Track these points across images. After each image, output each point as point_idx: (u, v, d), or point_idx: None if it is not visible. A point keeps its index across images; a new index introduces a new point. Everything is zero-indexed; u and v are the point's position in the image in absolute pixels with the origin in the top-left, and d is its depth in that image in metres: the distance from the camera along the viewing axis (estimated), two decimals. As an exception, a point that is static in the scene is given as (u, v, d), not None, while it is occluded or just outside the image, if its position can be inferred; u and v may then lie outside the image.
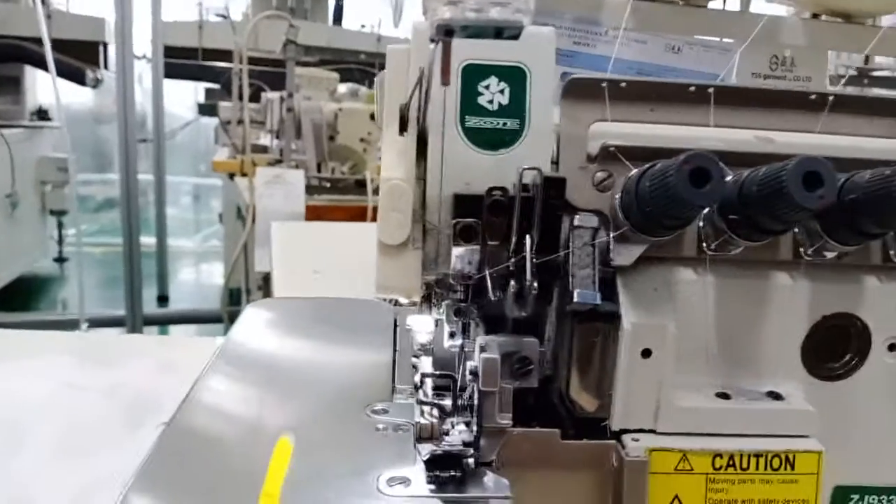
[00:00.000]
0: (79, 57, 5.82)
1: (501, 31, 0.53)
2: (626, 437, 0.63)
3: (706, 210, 0.60)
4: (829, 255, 0.63)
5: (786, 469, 0.63)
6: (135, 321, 4.78)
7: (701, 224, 0.63)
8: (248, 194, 3.34)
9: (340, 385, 0.81)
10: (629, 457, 0.62)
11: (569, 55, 1.08)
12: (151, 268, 5.73)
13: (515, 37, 0.54)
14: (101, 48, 6.12)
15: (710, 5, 1.10)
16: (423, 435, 0.65)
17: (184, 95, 8.06)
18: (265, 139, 4.50)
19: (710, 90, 0.64)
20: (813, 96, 0.65)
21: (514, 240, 0.61)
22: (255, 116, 4.56)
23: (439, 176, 0.63)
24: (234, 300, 4.50)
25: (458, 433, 0.66)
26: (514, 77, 0.62)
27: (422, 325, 0.73)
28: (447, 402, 0.67)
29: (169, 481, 0.65)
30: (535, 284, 0.61)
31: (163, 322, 5.53)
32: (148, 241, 5.53)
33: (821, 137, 0.65)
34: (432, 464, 0.63)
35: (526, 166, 0.60)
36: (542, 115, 0.63)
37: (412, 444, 0.66)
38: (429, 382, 0.69)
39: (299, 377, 0.84)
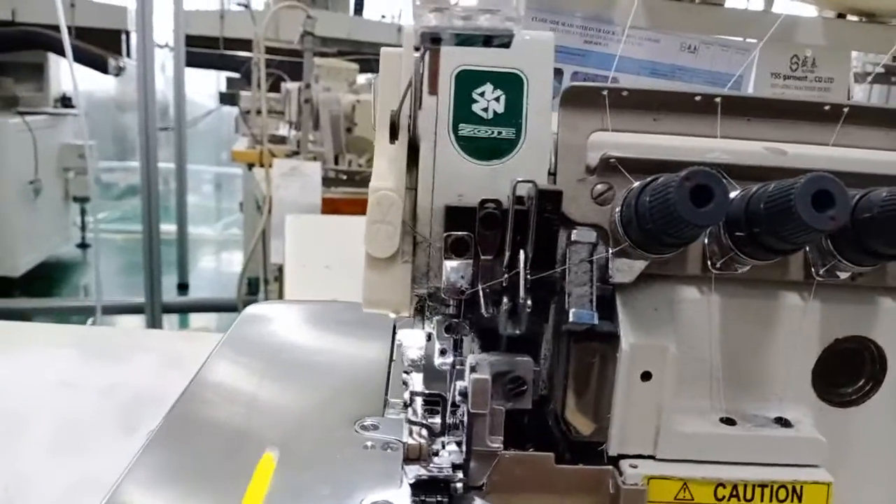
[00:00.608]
0: (102, 45, 5.83)
1: (491, 40, 0.49)
2: (624, 463, 0.60)
3: (711, 227, 0.57)
4: (843, 275, 0.60)
5: (792, 500, 0.59)
6: (154, 309, 4.80)
7: (706, 241, 0.59)
8: (265, 185, 3.33)
9: (332, 396, 0.79)
10: (626, 484, 0.59)
11: (580, 54, 1.05)
12: (172, 255, 5.75)
13: (506, 45, 0.51)
14: (123, 36, 6.13)
15: (729, 4, 1.06)
16: (411, 456, 0.62)
17: (206, 84, 8.08)
18: (284, 130, 4.49)
19: (718, 99, 0.60)
20: (827, 107, 0.61)
21: (507, 254, 0.58)
22: (275, 107, 4.55)
23: (431, 186, 0.60)
24: (252, 290, 4.51)
25: (447, 454, 0.63)
26: (511, 84, 0.59)
27: (412, 340, 0.70)
28: (437, 421, 0.65)
29: (150, 493, 0.63)
30: (529, 302, 0.57)
31: (182, 310, 5.55)
32: (169, 228, 5.54)
33: (835, 150, 0.61)
34: (418, 487, 0.60)
35: (520, 178, 0.57)
36: (539, 124, 0.59)
37: (400, 464, 0.64)
38: (419, 401, 0.66)
39: (292, 385, 0.82)
